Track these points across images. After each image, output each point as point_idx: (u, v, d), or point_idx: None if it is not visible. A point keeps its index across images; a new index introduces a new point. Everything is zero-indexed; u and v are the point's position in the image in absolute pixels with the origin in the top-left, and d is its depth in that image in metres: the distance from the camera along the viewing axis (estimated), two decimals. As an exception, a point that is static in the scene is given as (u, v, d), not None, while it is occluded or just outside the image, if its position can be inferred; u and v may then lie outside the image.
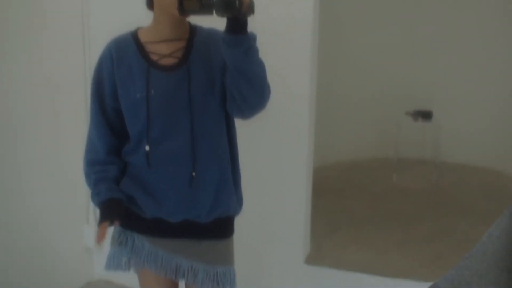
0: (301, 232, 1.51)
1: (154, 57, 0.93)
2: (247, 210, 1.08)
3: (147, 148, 0.92)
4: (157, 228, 0.97)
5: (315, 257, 1.56)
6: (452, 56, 2.58)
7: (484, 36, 2.51)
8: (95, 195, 0.94)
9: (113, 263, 1.00)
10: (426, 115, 2.53)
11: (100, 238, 0.88)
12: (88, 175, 0.95)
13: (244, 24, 0.87)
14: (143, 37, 0.94)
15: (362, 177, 2.51)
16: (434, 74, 2.62)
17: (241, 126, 1.02)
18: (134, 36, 0.94)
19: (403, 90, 2.66)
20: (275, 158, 1.49)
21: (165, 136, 0.93)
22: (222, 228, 0.99)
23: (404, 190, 2.30)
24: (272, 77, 0.94)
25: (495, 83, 2.52)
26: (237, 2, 0.81)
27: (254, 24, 0.90)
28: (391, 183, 2.40)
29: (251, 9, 0.85)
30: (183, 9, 0.86)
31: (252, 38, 0.88)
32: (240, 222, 1.03)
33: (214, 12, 0.82)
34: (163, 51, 0.93)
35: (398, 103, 2.55)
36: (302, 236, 1.51)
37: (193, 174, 0.92)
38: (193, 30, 0.95)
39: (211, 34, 0.95)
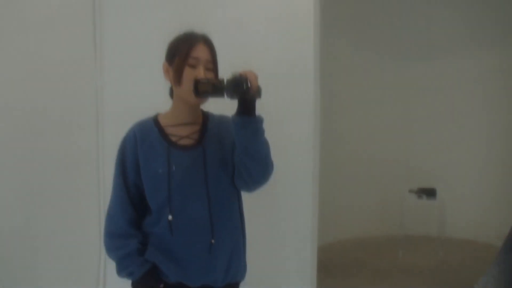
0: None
1: (173, 138, 1.05)
2: (254, 280, 1.14)
3: (170, 217, 1.01)
4: None
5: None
6: (454, 135, 2.65)
7: (486, 114, 2.58)
8: (126, 274, 1.03)
9: None
10: (430, 193, 2.56)
11: None
12: (109, 249, 1.02)
13: (252, 107, 0.97)
14: (162, 121, 1.07)
15: (368, 255, 2.52)
16: (437, 152, 2.68)
17: (246, 200, 1.09)
18: (155, 120, 1.07)
19: (406, 168, 2.71)
20: (279, 235, 1.51)
21: (185, 207, 1.04)
22: None
23: (410, 267, 2.31)
24: (276, 154, 1.03)
25: (498, 159, 2.55)
26: (244, 84, 0.92)
27: (260, 107, 1.00)
28: (397, 260, 2.41)
29: (258, 93, 0.96)
30: (198, 91, 0.98)
31: (259, 121, 0.99)
32: None
33: (225, 94, 0.93)
34: (181, 133, 1.06)
35: (402, 181, 2.60)
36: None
37: (212, 241, 1.00)
38: (205, 115, 1.08)
39: (222, 119, 1.08)
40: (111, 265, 1.08)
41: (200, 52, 1.02)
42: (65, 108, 1.55)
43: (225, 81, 0.94)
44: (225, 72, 1.00)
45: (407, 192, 2.54)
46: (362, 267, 2.32)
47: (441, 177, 2.65)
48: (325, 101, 1.61)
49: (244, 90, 0.92)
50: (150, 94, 1.21)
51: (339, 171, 2.61)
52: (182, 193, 1.02)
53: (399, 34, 2.87)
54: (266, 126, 1.01)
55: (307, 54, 1.56)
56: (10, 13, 1.54)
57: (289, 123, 1.47)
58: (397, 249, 2.47)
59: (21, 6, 1.55)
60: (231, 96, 0.94)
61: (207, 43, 1.03)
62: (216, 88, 0.96)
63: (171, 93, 1.08)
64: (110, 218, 1.03)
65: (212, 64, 1.04)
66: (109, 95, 1.56)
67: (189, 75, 1.01)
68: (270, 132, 1.02)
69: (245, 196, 1.09)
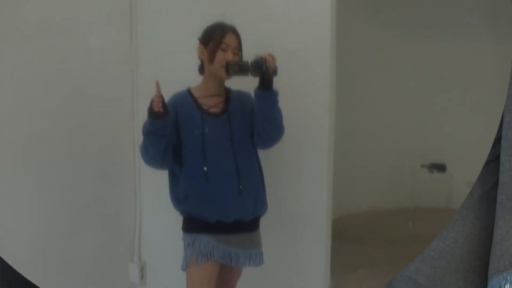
0: (321, 270, 1.69)
1: (204, 107, 1.40)
2: (271, 247, 1.36)
3: (205, 168, 1.30)
4: (216, 227, 1.32)
5: (335, 290, 1.72)
6: (467, 113, 2.74)
7: (500, 91, 2.67)
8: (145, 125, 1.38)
9: (184, 262, 1.44)
10: (440, 168, 2.69)
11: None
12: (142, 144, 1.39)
13: (271, 83, 1.35)
14: (195, 93, 1.43)
15: (380, 225, 2.64)
16: (449, 129, 2.78)
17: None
18: (189, 92, 1.44)
19: (419, 144, 2.83)
20: (296, 205, 1.68)
21: (216, 160, 1.32)
22: (257, 223, 1.48)
23: (419, 235, 2.44)
24: (294, 126, 1.26)
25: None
26: (264, 66, 1.26)
27: (282, 80, 1.28)
28: (407, 230, 2.54)
29: (275, 72, 1.33)
30: (228, 71, 1.36)
31: (276, 94, 1.37)
32: (266, 253, 1.28)
33: (249, 73, 1.26)
34: (210, 103, 1.41)
35: (414, 157, 2.72)
36: (322, 274, 1.69)
37: (240, 186, 1.29)
38: (228, 90, 1.44)
39: (241, 92, 1.44)
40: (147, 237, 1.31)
41: (230, 39, 1.38)
42: (102, 86, 1.67)
43: (249, 63, 1.29)
44: (249, 51, 1.30)
45: (419, 166, 2.66)
46: (374, 236, 2.46)
47: (451, 153, 2.75)
48: (341, 77, 1.75)
49: (264, 70, 1.27)
50: (181, 73, 1.43)
51: (353, 148, 2.73)
52: (213, 150, 1.38)
53: (416, 11, 2.94)
54: (286, 98, 1.26)
55: (324, 32, 1.71)
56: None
57: (307, 96, 1.62)
58: (407, 220, 2.59)
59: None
60: (254, 74, 1.30)
61: (235, 32, 1.38)
62: (242, 68, 1.34)
63: (201, 70, 1.43)
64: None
65: (238, 50, 1.38)
66: (143, 72, 1.69)
67: (220, 56, 1.36)
68: (289, 104, 1.25)
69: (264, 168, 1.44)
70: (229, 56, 1.37)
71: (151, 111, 1.38)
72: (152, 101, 1.37)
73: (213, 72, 1.39)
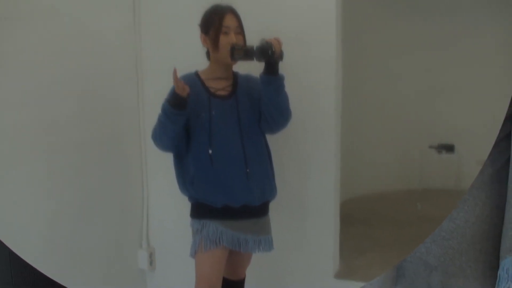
0: (330, 253, 1.69)
1: (212, 90, 1.40)
2: (279, 231, 1.35)
3: (210, 151, 1.28)
4: (223, 213, 1.30)
5: (344, 273, 1.72)
6: (474, 93, 2.72)
7: (508, 71, 2.65)
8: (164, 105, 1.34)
9: (193, 249, 1.43)
10: (448, 148, 2.67)
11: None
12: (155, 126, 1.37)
13: (276, 68, 1.33)
14: (202, 76, 1.43)
15: (388, 207, 2.64)
16: (457, 110, 2.76)
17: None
18: (196, 75, 1.43)
19: (427, 125, 2.81)
20: (304, 189, 1.68)
21: (222, 144, 1.30)
22: (266, 209, 1.47)
23: (427, 217, 2.43)
24: (299, 108, 1.24)
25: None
26: (269, 51, 1.22)
27: (288, 63, 1.25)
28: (416, 211, 2.53)
29: (281, 57, 1.31)
30: (234, 56, 1.34)
31: (281, 78, 1.34)
32: (275, 237, 1.27)
33: (254, 58, 1.23)
34: (218, 86, 1.41)
35: (422, 138, 2.70)
36: (331, 256, 1.69)
37: (247, 170, 1.26)
38: (235, 74, 1.44)
39: (248, 76, 1.43)
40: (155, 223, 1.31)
41: (230, 21, 1.34)
42: (106, 73, 1.68)
43: (254, 47, 1.26)
44: (253, 36, 1.26)
45: (427, 147, 2.65)
46: (383, 218, 2.45)
47: (459, 133, 2.74)
48: (347, 59, 1.74)
49: (269, 55, 1.24)
50: (185, 56, 1.41)
51: (360, 130, 2.72)
52: (220, 133, 1.38)
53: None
54: (293, 82, 1.24)
55: (330, 11, 1.70)
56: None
57: (313, 80, 1.61)
58: (416, 201, 2.58)
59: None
60: (259, 59, 1.27)
61: (233, 12, 1.35)
62: (247, 53, 1.31)
63: (208, 56, 1.41)
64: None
65: (240, 28, 1.35)
66: (148, 58, 1.68)
67: (224, 41, 1.34)
68: (296, 88, 1.23)
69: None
70: (232, 38, 1.35)
71: (173, 98, 1.33)
72: (174, 88, 1.33)
73: (219, 59, 1.38)
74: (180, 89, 1.30)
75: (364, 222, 2.49)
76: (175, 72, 1.29)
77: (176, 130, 1.34)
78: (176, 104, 1.30)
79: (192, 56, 1.46)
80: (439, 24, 2.94)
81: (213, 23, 1.35)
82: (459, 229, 0.74)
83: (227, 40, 1.35)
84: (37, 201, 1.56)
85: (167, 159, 1.48)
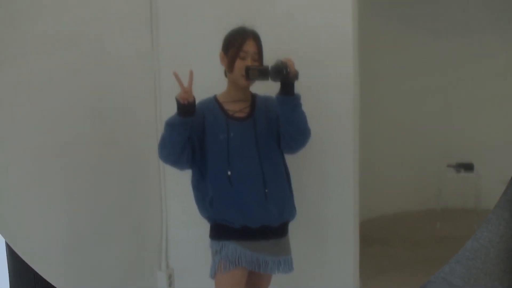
0: (350, 274, 1.67)
1: (229, 112, 1.41)
2: (299, 251, 1.34)
3: (229, 173, 1.29)
4: (242, 233, 1.29)
5: (365, 293, 1.70)
6: (492, 111, 2.70)
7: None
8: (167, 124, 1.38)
9: (213, 270, 1.44)
10: (467, 167, 2.65)
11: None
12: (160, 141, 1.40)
13: (292, 87, 1.33)
14: (220, 99, 1.44)
15: (406, 227, 2.61)
16: (475, 128, 2.74)
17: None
18: (215, 98, 1.44)
19: (445, 144, 2.79)
20: (323, 209, 1.67)
21: (241, 165, 1.30)
22: (285, 229, 1.47)
23: (447, 238, 2.41)
24: (317, 128, 1.23)
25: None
26: (284, 70, 1.23)
27: (304, 81, 1.25)
28: (435, 231, 2.51)
29: (295, 76, 1.31)
30: (248, 76, 1.35)
31: (298, 98, 1.35)
32: (295, 258, 1.27)
33: (269, 78, 1.24)
34: (235, 108, 1.42)
35: (440, 157, 2.69)
36: (351, 277, 1.67)
37: (266, 191, 1.26)
38: (253, 95, 1.45)
39: (267, 98, 1.43)
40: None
41: (249, 46, 1.36)
42: (125, 93, 1.69)
43: (269, 67, 1.27)
44: (270, 55, 1.27)
45: (445, 166, 2.63)
46: (401, 238, 2.43)
47: (478, 152, 2.72)
48: (365, 76, 1.74)
49: (284, 75, 1.25)
50: (203, 77, 1.42)
51: (378, 149, 2.71)
52: (238, 154, 1.42)
53: (438, 9, 2.91)
54: (310, 101, 1.23)
55: (347, 31, 1.71)
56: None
57: (331, 99, 1.61)
58: (435, 221, 2.56)
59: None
60: (274, 79, 1.28)
61: (255, 38, 1.44)
62: (262, 73, 1.32)
63: (226, 74, 1.43)
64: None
65: (258, 55, 1.37)
66: (165, 78, 1.69)
67: (240, 64, 1.36)
68: (313, 107, 1.23)
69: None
70: (248, 63, 1.36)
71: (179, 106, 1.34)
72: (180, 94, 1.35)
73: (233, 80, 1.40)
74: (183, 96, 1.32)
75: (383, 242, 2.48)
76: (191, 74, 1.32)
77: (175, 141, 1.35)
78: (183, 112, 1.31)
79: (210, 78, 1.47)
80: (457, 43, 2.94)
81: (233, 45, 1.38)
82: (483, 248, 0.73)
83: (242, 64, 1.37)
84: (56, 221, 1.57)
85: (186, 180, 1.49)
